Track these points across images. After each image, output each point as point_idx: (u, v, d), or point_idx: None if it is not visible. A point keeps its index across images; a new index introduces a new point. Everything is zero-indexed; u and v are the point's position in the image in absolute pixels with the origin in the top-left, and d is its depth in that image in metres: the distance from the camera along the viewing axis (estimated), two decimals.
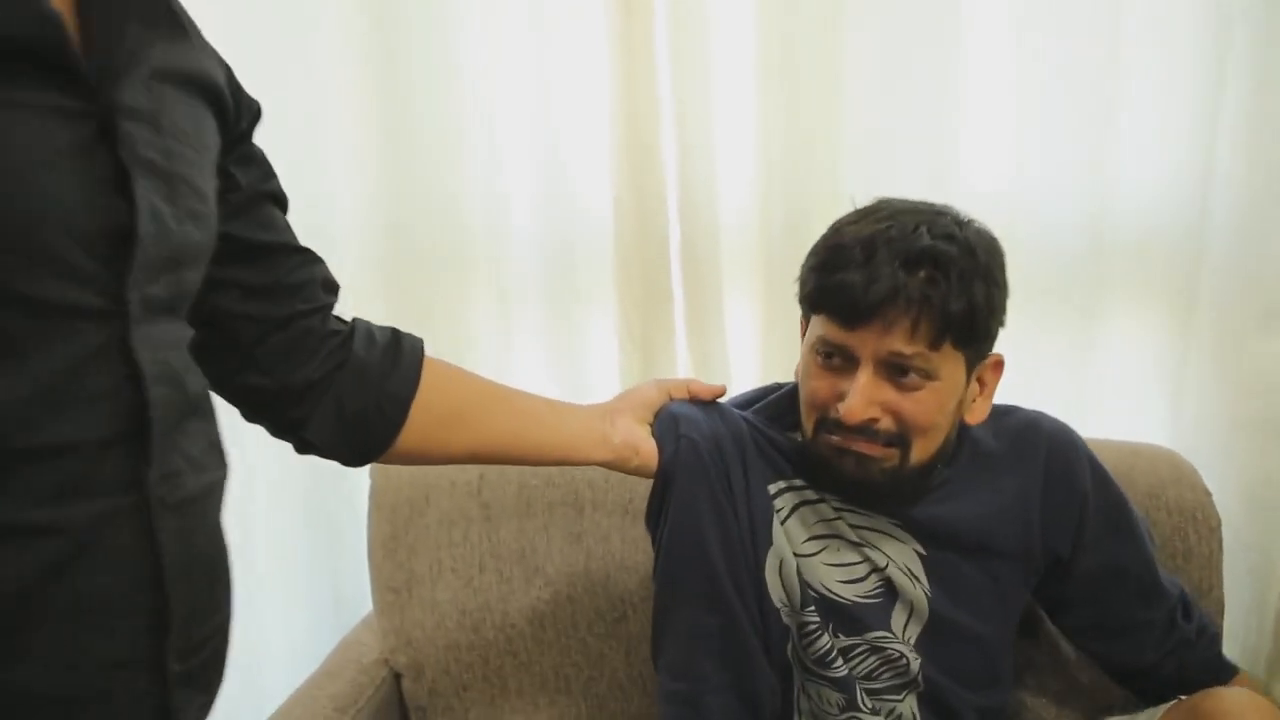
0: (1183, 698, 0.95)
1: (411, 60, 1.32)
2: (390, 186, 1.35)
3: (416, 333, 1.45)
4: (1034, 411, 1.04)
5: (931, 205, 0.90)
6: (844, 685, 0.97)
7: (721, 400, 1.02)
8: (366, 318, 1.43)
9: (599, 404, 0.93)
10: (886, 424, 0.87)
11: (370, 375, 0.76)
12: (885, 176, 1.25)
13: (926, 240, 0.84)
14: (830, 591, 0.97)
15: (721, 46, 1.26)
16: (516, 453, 0.87)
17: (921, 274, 0.83)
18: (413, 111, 1.33)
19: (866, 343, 0.85)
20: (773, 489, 0.98)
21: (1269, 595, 1.24)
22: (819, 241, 0.91)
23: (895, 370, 0.86)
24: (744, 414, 1.01)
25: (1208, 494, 1.18)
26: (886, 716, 0.99)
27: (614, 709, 1.31)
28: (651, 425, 0.97)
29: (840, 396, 0.87)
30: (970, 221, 0.89)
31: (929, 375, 0.86)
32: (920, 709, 1.00)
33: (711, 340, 1.36)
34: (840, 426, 0.88)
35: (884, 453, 0.88)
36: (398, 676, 1.37)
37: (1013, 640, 1.05)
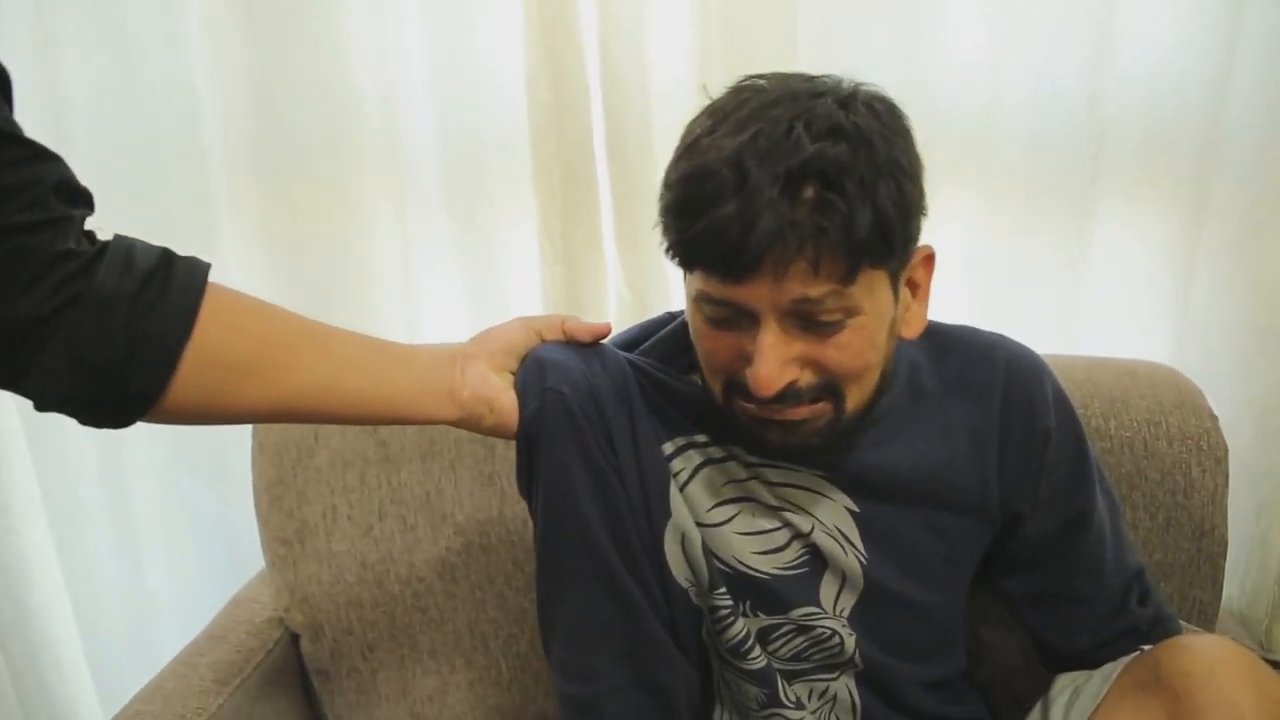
0: (1144, 648, 0.81)
1: None
2: (259, 67, 1.17)
3: (298, 245, 1.28)
4: (992, 334, 0.86)
5: (807, 80, 0.69)
6: (763, 678, 0.82)
7: (605, 340, 0.82)
8: (238, 226, 1.27)
9: (448, 346, 0.76)
10: (808, 379, 0.70)
11: (119, 312, 0.57)
12: (848, 46, 1.08)
13: (807, 147, 0.63)
14: (745, 565, 0.81)
15: None
16: (334, 409, 0.69)
17: (809, 194, 0.63)
18: None
19: (760, 295, 0.66)
20: (668, 448, 0.80)
21: (1275, 533, 1.10)
22: (671, 163, 0.69)
23: (805, 317, 0.67)
24: (630, 356, 0.82)
25: (1214, 419, 1.03)
26: (819, 699, 0.85)
27: (538, 668, 1.19)
28: (515, 374, 0.78)
29: (744, 357, 0.69)
30: (854, 92, 0.68)
31: (849, 312, 0.67)
32: (859, 688, 0.85)
33: (646, 248, 1.19)
34: (754, 397, 0.70)
35: (813, 411, 0.71)
36: (296, 637, 1.23)
37: (964, 604, 0.89)
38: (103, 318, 0.56)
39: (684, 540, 0.80)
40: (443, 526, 1.16)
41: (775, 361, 0.67)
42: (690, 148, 0.68)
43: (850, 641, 0.83)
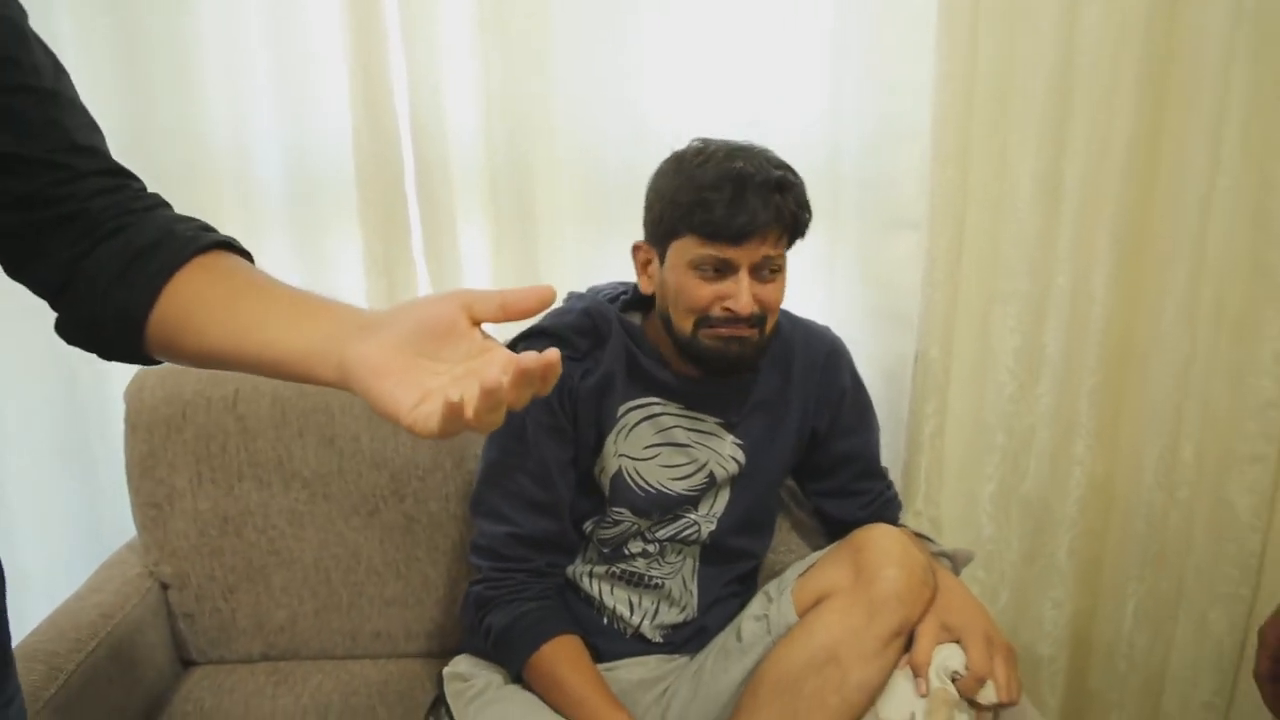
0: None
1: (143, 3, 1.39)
2: (125, 115, 1.40)
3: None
4: (823, 326, 1.32)
5: (750, 144, 1.13)
6: (615, 547, 1.25)
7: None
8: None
9: (364, 314, 0.64)
10: (756, 310, 1.10)
11: (101, 284, 0.68)
12: (589, 112, 1.45)
13: (778, 173, 1.08)
14: (664, 487, 1.22)
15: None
16: (244, 364, 0.68)
17: (781, 199, 1.07)
18: (147, 48, 1.41)
19: (747, 254, 1.08)
20: (626, 407, 1.19)
21: (899, 454, 1.57)
22: (683, 181, 1.09)
23: (762, 269, 1.10)
24: (632, 326, 1.19)
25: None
26: (673, 565, 1.26)
27: (371, 593, 1.46)
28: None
29: (720, 298, 1.09)
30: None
31: (780, 269, 1.12)
32: (700, 560, 1.28)
33: (447, 263, 1.51)
34: (726, 321, 1.10)
35: (751, 333, 1.12)
36: (165, 588, 1.44)
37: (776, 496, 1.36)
38: (90, 287, 0.68)
39: (603, 469, 1.20)
40: (292, 483, 1.41)
41: (749, 293, 1.08)
42: (694, 173, 1.08)
43: (705, 530, 1.25)
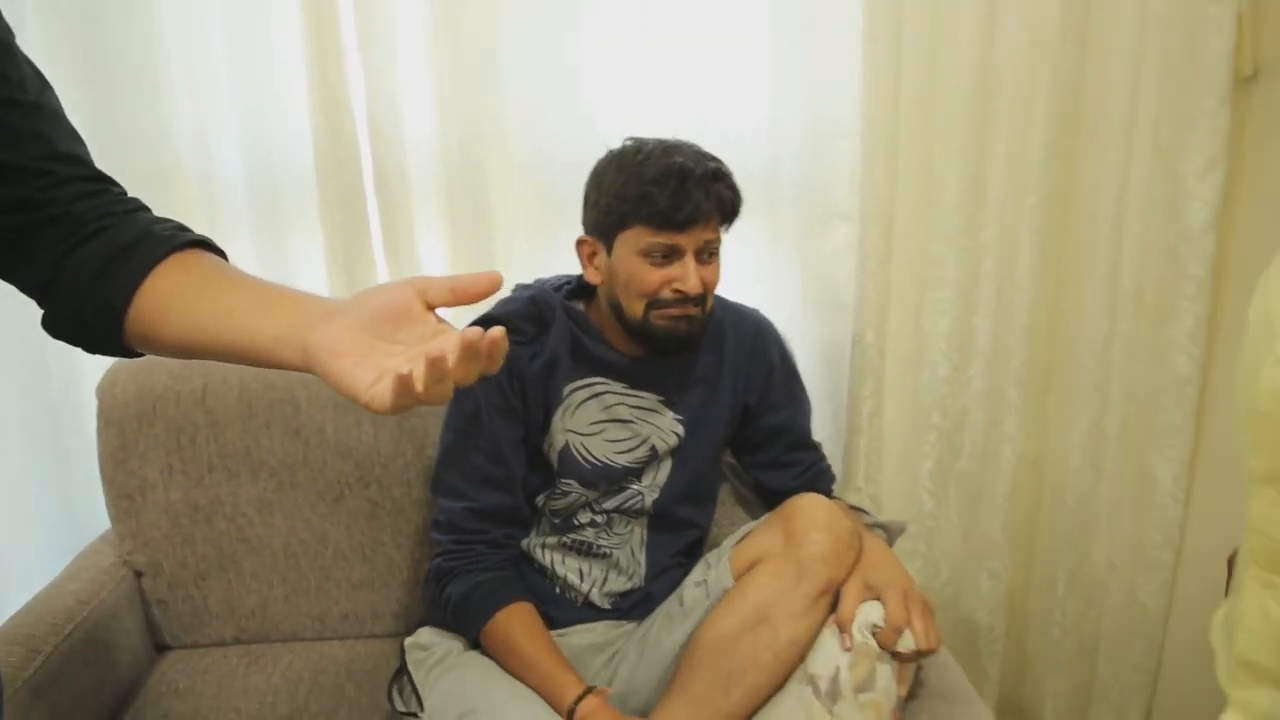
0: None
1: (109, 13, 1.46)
2: (90, 123, 1.44)
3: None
4: (752, 308, 1.41)
5: (679, 140, 1.22)
6: (566, 518, 1.33)
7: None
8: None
9: (327, 302, 0.70)
10: (702, 290, 1.20)
11: (84, 281, 0.73)
12: (540, 117, 1.53)
13: (712, 164, 1.19)
14: (609, 460, 1.31)
15: (399, 7, 1.48)
16: (219, 352, 0.72)
17: (718, 187, 1.18)
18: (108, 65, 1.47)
19: (691, 240, 1.18)
20: (571, 386, 1.28)
21: (840, 434, 1.66)
22: (627, 177, 1.18)
23: (703, 253, 1.20)
24: (577, 314, 1.27)
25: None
26: (621, 534, 1.34)
27: (339, 576, 1.52)
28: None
29: (668, 281, 1.19)
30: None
31: (716, 252, 1.22)
32: (648, 530, 1.36)
33: (406, 257, 1.58)
34: (676, 302, 1.20)
35: (696, 311, 1.22)
36: (139, 575, 1.50)
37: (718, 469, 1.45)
38: (73, 284, 0.73)
39: (551, 445, 1.28)
40: (260, 472, 1.47)
41: (696, 275, 1.18)
42: (638, 169, 1.17)
43: (649, 499, 1.33)
